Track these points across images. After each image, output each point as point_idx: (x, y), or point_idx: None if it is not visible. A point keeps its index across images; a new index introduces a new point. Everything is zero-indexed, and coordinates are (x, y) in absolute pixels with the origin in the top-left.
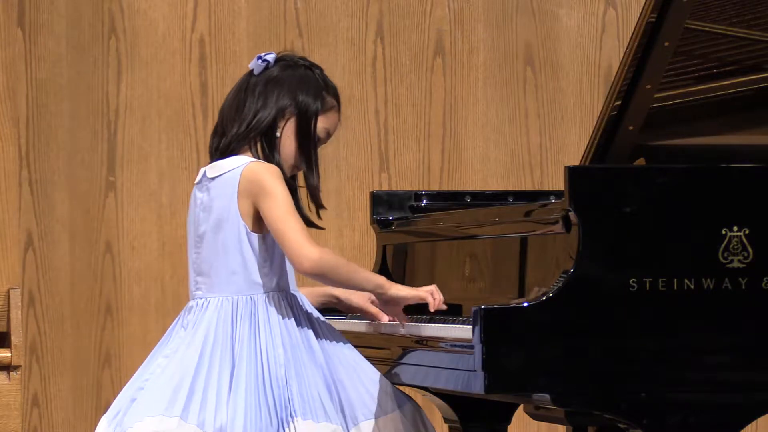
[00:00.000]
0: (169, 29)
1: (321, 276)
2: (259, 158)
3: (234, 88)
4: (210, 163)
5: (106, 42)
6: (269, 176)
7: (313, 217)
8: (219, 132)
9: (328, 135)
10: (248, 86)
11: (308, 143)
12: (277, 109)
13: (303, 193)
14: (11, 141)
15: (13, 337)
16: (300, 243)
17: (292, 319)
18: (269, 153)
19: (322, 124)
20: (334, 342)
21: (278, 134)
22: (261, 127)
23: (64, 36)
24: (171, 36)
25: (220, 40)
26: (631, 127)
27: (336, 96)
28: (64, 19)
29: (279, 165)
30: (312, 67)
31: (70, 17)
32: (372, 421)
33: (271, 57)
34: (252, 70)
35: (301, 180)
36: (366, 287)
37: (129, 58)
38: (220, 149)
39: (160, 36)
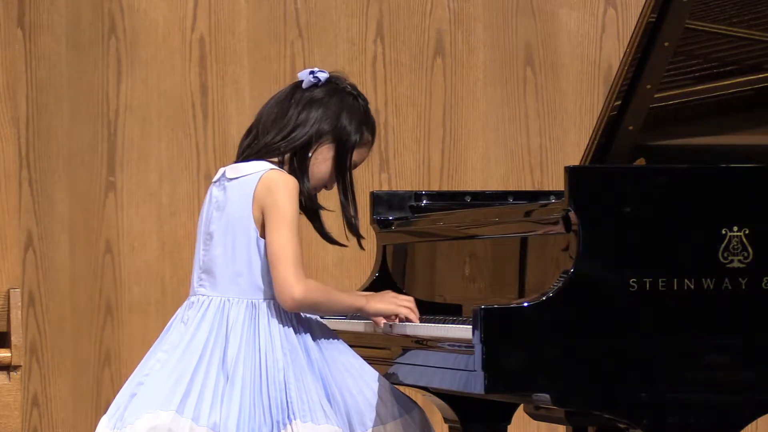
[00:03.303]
0: (169, 29)
1: (303, 312)
2: (283, 169)
3: (278, 94)
4: (235, 160)
5: (106, 42)
6: (285, 189)
7: (347, 239)
8: (253, 133)
9: (355, 166)
10: (293, 98)
11: (344, 174)
12: (317, 131)
13: (327, 215)
14: (11, 141)
15: (13, 337)
16: (287, 280)
17: (291, 327)
18: (297, 170)
19: (353, 156)
20: (338, 350)
21: (310, 155)
22: (295, 144)
23: (64, 36)
24: (171, 36)
25: (220, 40)
26: (631, 127)
27: (373, 132)
28: (64, 19)
29: (305, 186)
30: (359, 97)
31: (70, 17)
32: (381, 427)
33: (323, 76)
34: (300, 82)
35: (326, 201)
36: (349, 312)
37: (129, 58)
38: (248, 152)
39: (160, 36)
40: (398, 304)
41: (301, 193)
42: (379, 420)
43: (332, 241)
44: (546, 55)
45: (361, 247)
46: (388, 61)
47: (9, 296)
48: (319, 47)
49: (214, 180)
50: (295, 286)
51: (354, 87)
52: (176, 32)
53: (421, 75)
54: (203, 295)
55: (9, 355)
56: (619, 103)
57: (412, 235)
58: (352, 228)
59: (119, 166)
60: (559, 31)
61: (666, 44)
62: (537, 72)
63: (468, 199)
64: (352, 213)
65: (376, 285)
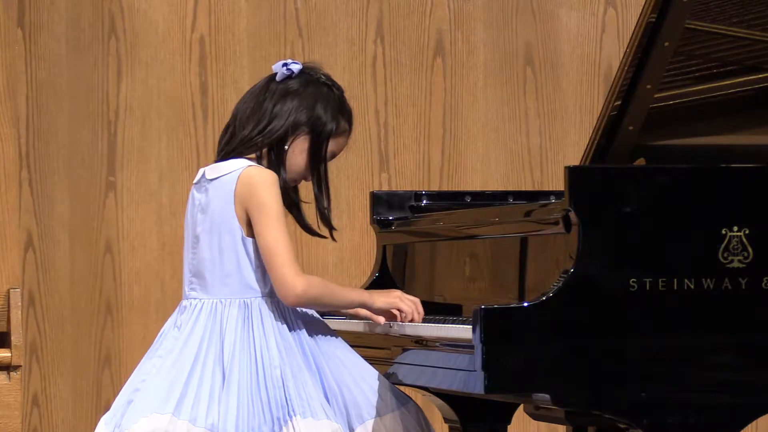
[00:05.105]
0: (169, 29)
1: (305, 306)
2: (261, 164)
3: (253, 88)
4: (215, 159)
5: (106, 42)
6: (265, 185)
7: (328, 228)
8: (230, 130)
9: (333, 156)
10: (267, 91)
11: (319, 164)
12: (292, 122)
13: (307, 207)
14: (11, 141)
15: (13, 337)
16: (285, 276)
17: (285, 324)
18: (275, 163)
19: (330, 146)
20: (333, 344)
21: (286, 147)
22: (272, 138)
23: (64, 36)
24: (171, 36)
25: (220, 40)
26: (631, 127)
27: (350, 121)
28: (64, 19)
29: (282, 178)
30: (333, 86)
31: (70, 17)
32: (378, 419)
33: (296, 67)
34: (275, 74)
35: (304, 194)
36: (351, 306)
37: (129, 58)
38: (226, 150)
39: (160, 36)
40: (402, 298)
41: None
42: (377, 413)
43: (313, 232)
44: (546, 55)
45: (333, 239)
46: (388, 61)
47: (9, 296)
48: (319, 47)
49: (194, 182)
50: (296, 282)
51: (328, 77)
52: (176, 32)
53: (421, 75)
54: (195, 299)
55: (9, 355)
56: (619, 103)
57: (412, 235)
58: (324, 219)
59: (119, 166)
60: (559, 31)
61: (666, 44)
62: (537, 72)
63: (468, 199)
64: (325, 204)
65: (376, 285)
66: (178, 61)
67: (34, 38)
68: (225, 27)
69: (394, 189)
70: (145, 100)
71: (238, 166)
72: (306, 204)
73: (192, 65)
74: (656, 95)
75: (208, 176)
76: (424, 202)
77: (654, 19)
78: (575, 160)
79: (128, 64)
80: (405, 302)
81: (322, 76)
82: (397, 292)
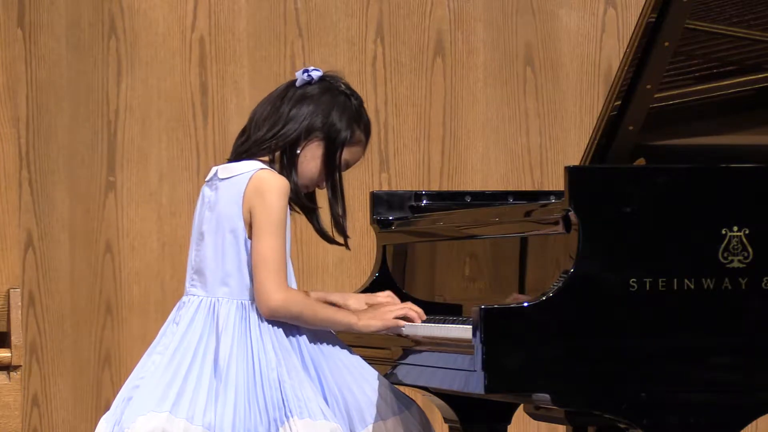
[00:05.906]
0: (169, 29)
1: (282, 320)
2: (274, 168)
3: (272, 92)
4: (228, 160)
5: (106, 42)
6: (275, 191)
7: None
8: (246, 132)
9: (347, 166)
10: (285, 95)
11: (333, 172)
12: (306, 128)
13: (324, 213)
14: (11, 141)
15: (13, 337)
16: (266, 288)
17: (282, 328)
18: (287, 167)
19: (344, 155)
20: (336, 348)
21: (298, 151)
22: (285, 141)
23: (64, 36)
24: (171, 36)
25: (220, 40)
26: (631, 127)
27: (367, 131)
28: (64, 19)
29: (293, 182)
30: (352, 96)
31: (70, 17)
32: (381, 423)
33: (316, 74)
34: (294, 80)
35: (320, 200)
36: (336, 329)
37: (129, 58)
38: (239, 151)
39: (160, 36)
40: (392, 317)
41: (291, 190)
42: (379, 416)
43: (328, 238)
44: (546, 55)
45: (347, 247)
46: (388, 61)
47: (9, 296)
48: (319, 47)
49: (206, 179)
50: (272, 295)
51: (348, 86)
52: (176, 32)
53: (421, 75)
54: (194, 296)
55: (9, 355)
56: (619, 103)
57: (412, 235)
58: (339, 227)
59: (119, 166)
60: (559, 31)
61: (666, 44)
62: (537, 72)
63: (468, 199)
64: (339, 212)
65: (375, 285)
66: (178, 61)
67: (34, 38)
68: (225, 27)
69: (394, 189)
70: (145, 99)
71: (250, 168)
72: (323, 210)
73: (192, 65)
74: (656, 95)
75: (220, 175)
76: (424, 202)
77: (654, 19)
78: (575, 160)
79: (128, 64)
80: (393, 321)
81: (342, 85)
82: (386, 309)
